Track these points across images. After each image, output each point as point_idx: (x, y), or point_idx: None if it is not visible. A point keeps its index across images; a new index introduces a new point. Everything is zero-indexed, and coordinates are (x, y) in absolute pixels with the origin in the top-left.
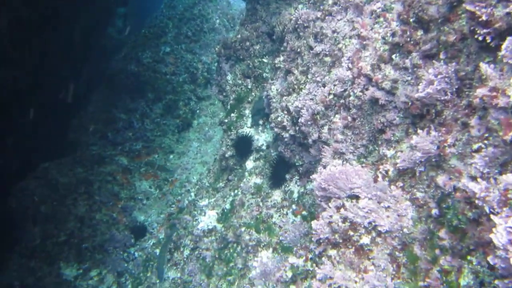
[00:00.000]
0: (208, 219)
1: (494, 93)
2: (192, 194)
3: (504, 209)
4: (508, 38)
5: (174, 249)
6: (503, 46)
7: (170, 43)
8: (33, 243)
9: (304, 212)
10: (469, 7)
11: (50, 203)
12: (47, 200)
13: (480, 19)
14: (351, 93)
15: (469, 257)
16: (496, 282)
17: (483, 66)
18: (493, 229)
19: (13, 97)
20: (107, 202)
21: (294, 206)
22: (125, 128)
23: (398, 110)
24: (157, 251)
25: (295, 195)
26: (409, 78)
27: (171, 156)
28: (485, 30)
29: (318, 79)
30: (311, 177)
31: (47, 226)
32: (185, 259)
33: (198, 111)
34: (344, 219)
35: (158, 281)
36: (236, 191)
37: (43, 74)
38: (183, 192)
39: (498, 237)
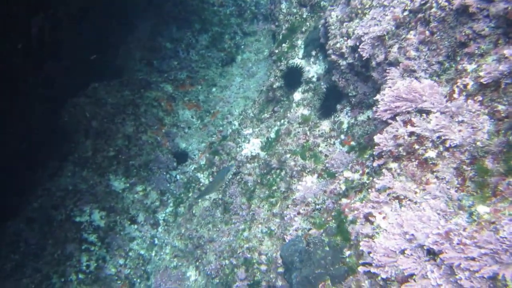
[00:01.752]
0: (252, 146)
1: None
2: (236, 124)
3: None
4: None
5: (217, 172)
6: None
7: None
8: (85, 155)
9: (352, 143)
10: None
11: (100, 119)
12: (97, 116)
13: None
14: (434, 4)
15: None
16: None
17: None
18: None
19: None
20: (152, 125)
21: (342, 136)
22: (171, 57)
23: (491, 18)
24: (199, 174)
25: (345, 125)
26: None
27: (214, 89)
28: None
29: (386, 2)
30: (376, 97)
31: (97, 141)
32: (226, 182)
33: (243, 46)
34: (411, 133)
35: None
36: (282, 120)
37: None
38: (225, 124)
39: None
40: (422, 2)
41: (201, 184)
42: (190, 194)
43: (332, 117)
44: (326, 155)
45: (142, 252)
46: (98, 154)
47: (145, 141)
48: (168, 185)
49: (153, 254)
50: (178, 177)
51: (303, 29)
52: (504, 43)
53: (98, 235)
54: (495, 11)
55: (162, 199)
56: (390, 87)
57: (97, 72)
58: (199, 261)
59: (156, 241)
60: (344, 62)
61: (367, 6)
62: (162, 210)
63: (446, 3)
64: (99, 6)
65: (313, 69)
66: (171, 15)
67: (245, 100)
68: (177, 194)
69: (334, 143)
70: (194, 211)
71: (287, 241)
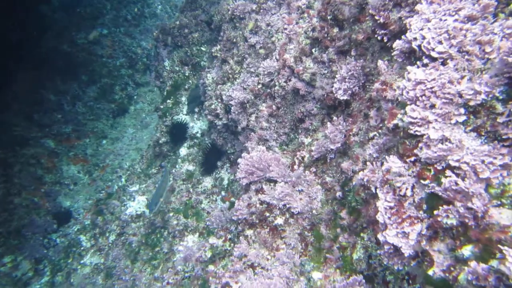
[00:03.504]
0: (137, 205)
1: (384, 86)
2: (123, 180)
3: (385, 186)
4: (397, 40)
5: (100, 235)
6: (394, 45)
7: (107, 25)
8: None
9: (232, 199)
10: (371, 11)
11: None
12: None
13: (378, 22)
14: (277, 83)
15: (362, 234)
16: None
17: (379, 63)
18: (377, 204)
19: None
20: (28, 185)
21: (223, 193)
22: (54, 110)
23: (316, 101)
24: (81, 237)
25: (225, 182)
26: (326, 71)
27: (104, 141)
28: (382, 31)
29: (252, 69)
30: (238, 161)
31: None
32: (110, 244)
33: (135, 97)
34: (262, 202)
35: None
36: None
37: None
38: (114, 178)
39: (380, 214)
40: (269, 79)
41: (82, 248)
42: (69, 261)
43: (214, 173)
44: (208, 212)
45: None
46: None
47: (18, 204)
48: (45, 251)
49: None
50: (58, 240)
51: (186, 86)
52: (328, 121)
53: None
54: (317, 95)
55: (37, 268)
56: (246, 155)
57: None
58: None
59: None
60: (220, 122)
61: (236, 71)
62: (36, 281)
63: (284, 83)
64: None
65: (197, 125)
66: (55, 66)
67: (137, 152)
68: (55, 261)
69: (216, 199)
70: (72, 280)
71: None
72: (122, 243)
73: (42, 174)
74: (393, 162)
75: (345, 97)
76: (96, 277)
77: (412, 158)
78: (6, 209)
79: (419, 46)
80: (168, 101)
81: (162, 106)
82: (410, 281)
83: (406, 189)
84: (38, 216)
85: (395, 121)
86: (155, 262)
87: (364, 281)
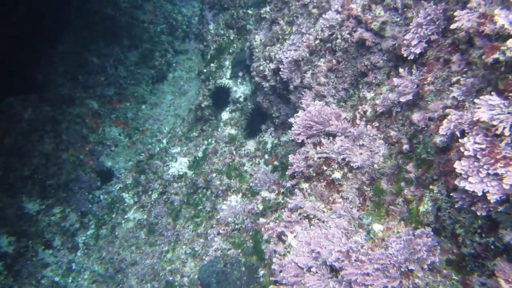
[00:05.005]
0: (179, 165)
1: (483, 20)
2: (164, 142)
3: (474, 128)
4: None
5: (142, 192)
6: None
7: None
8: None
9: (276, 162)
10: None
11: (14, 136)
12: (11, 132)
13: None
14: (339, 36)
15: (431, 187)
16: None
17: None
18: (466, 145)
19: None
20: (75, 143)
21: (266, 156)
22: (97, 72)
23: (383, 52)
24: (124, 194)
25: (269, 145)
26: (398, 19)
27: (144, 106)
28: None
29: (303, 30)
30: (290, 120)
31: (10, 159)
32: (152, 202)
33: (174, 64)
34: (320, 155)
35: None
36: (210, 139)
37: None
38: (154, 142)
39: (460, 164)
40: (330, 32)
41: (125, 205)
42: (113, 215)
43: (257, 137)
44: (251, 174)
45: (56, 279)
46: (11, 173)
47: (66, 159)
48: (90, 206)
49: (69, 280)
50: (101, 197)
51: (231, 50)
52: (394, 75)
53: (5, 262)
54: (386, 46)
55: (82, 221)
56: (303, 110)
57: (13, 85)
58: (120, 286)
59: (74, 267)
60: (267, 84)
61: (287, 32)
62: (82, 233)
63: (348, 35)
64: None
65: (240, 90)
66: (99, 29)
67: (176, 118)
68: (99, 215)
69: (258, 163)
70: (117, 233)
71: (205, 262)
72: (164, 201)
73: (87, 133)
74: (490, 99)
75: (419, 49)
76: (139, 232)
77: None
78: (55, 163)
79: None
80: (212, 64)
81: (205, 70)
82: (483, 234)
83: (504, 128)
84: (84, 172)
85: (495, 56)
86: (198, 219)
87: (432, 233)
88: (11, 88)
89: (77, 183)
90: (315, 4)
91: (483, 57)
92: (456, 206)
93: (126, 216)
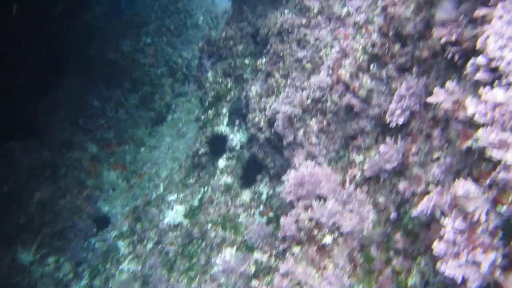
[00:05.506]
0: (175, 214)
1: (456, 106)
2: (161, 188)
3: (454, 211)
4: (473, 58)
5: (138, 242)
6: (468, 65)
7: (151, 34)
8: None
9: (270, 214)
10: (440, 28)
11: (12, 183)
12: (9, 179)
13: (449, 39)
14: (329, 99)
15: (418, 259)
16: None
17: (448, 82)
18: (446, 229)
19: None
20: (72, 188)
21: (261, 207)
22: (98, 116)
23: (371, 118)
24: (119, 242)
25: (264, 196)
26: (384, 88)
27: (142, 149)
28: (454, 48)
29: (297, 84)
30: (282, 177)
31: (7, 207)
32: (147, 252)
33: (173, 106)
34: (310, 218)
35: None
36: (206, 187)
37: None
38: (151, 186)
39: (444, 241)
40: (321, 93)
41: (120, 255)
42: (108, 265)
43: (253, 187)
44: (246, 226)
45: None
46: (7, 222)
47: (63, 206)
48: (85, 255)
49: None
50: (96, 244)
51: (228, 98)
52: (382, 141)
53: None
54: (373, 113)
55: (76, 271)
56: (295, 169)
57: (14, 129)
58: None
59: None
60: (262, 136)
61: (281, 85)
62: (75, 283)
63: (338, 99)
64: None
65: (236, 138)
66: (100, 73)
67: (174, 161)
68: (94, 265)
69: (254, 214)
70: (110, 285)
71: None
72: (159, 251)
73: (85, 178)
74: (466, 186)
75: (402, 119)
76: (133, 284)
77: (488, 182)
78: (52, 210)
79: (497, 67)
80: (209, 111)
81: (203, 117)
82: None
83: (480, 214)
84: (80, 219)
85: (468, 143)
86: (192, 273)
87: None
88: (11, 133)
89: (73, 230)
90: (308, 59)
91: (457, 143)
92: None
93: (120, 267)
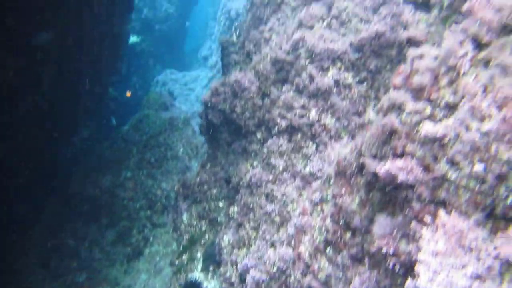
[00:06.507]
0: None
1: None
2: None
3: None
4: (409, 279)
5: None
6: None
7: (132, 168)
8: None
9: None
10: (378, 241)
11: None
12: None
13: (389, 251)
14: (292, 274)
15: None
16: None
17: None
18: None
19: None
20: None
21: None
22: (71, 257)
23: None
24: None
25: None
26: (340, 275)
27: None
28: (394, 259)
29: (267, 237)
30: None
31: None
32: None
33: (151, 238)
34: None
35: None
36: None
37: None
38: None
39: None
40: (285, 266)
41: None
42: None
43: None
44: None
45: None
46: None
47: None
48: None
49: None
50: None
51: (202, 242)
52: None
53: None
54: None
55: None
56: None
57: None
58: None
59: None
60: None
61: (252, 237)
62: None
63: (300, 277)
64: None
65: (210, 285)
66: (78, 209)
67: None
68: None
69: None
70: None
71: None
72: None
73: None
74: None
75: None
76: None
77: None
78: None
79: None
80: (184, 256)
81: (177, 262)
82: None
83: None
84: None
85: None
86: None
87: None
88: None
89: None
90: (277, 213)
91: None
92: None
93: None
